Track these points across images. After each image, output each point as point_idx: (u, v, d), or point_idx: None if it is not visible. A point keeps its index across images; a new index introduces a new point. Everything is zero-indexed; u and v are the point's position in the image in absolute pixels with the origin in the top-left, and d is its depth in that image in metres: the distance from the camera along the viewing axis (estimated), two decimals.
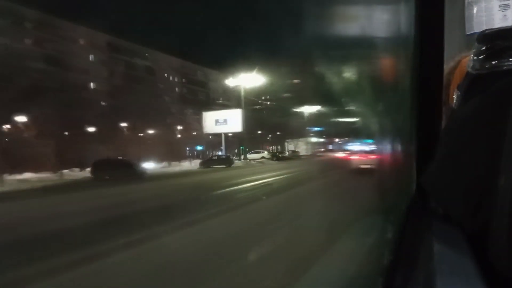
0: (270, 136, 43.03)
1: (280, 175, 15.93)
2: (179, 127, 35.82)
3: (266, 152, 35.64)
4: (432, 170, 0.82)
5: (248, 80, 33.72)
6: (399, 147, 1.61)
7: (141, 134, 30.57)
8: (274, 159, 33.10)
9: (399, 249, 0.96)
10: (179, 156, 28.41)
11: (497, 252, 0.57)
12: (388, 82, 1.66)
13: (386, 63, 1.72)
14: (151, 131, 31.92)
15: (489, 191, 0.60)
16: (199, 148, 36.07)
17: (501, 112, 0.61)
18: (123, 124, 29.15)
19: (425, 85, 1.45)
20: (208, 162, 25.74)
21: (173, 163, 24.89)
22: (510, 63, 0.78)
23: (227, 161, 26.66)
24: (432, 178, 0.83)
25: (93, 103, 27.93)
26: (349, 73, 1.85)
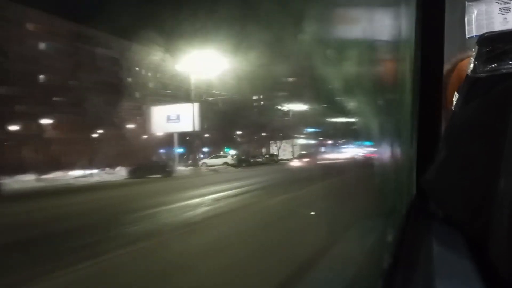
0: (256, 137, 37.85)
1: (218, 192, 10.70)
2: (139, 126, 27.97)
3: (229, 157, 29.37)
4: (432, 173, 0.83)
5: (205, 63, 23.62)
6: (399, 149, 1.61)
7: (91, 135, 25.00)
8: (244, 165, 26.58)
9: (399, 251, 0.96)
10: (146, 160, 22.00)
11: (496, 254, 0.57)
12: (388, 84, 1.66)
13: (386, 65, 1.72)
14: (100, 131, 25.40)
15: (489, 193, 0.60)
16: (178, 150, 28.74)
17: (502, 115, 0.62)
18: (52, 122, 24.00)
19: (425, 88, 1.45)
20: (138, 171, 18.78)
21: (111, 170, 19.28)
22: (510, 66, 0.79)
23: (163, 169, 19.57)
24: (432, 180, 0.83)
25: (37, 97, 23.61)
26: (348, 74, 1.85)
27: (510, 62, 0.79)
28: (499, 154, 0.58)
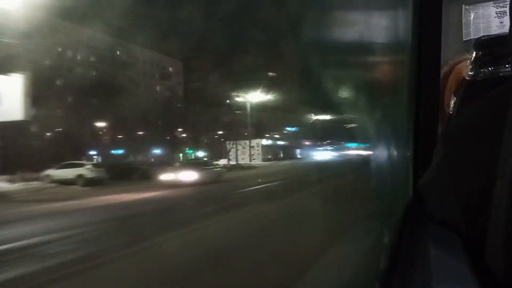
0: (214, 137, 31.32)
1: None
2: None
3: (90, 167, 16.87)
4: (429, 176, 0.83)
5: None
6: (395, 152, 1.61)
7: None
8: (109, 175, 12.17)
9: (395, 254, 0.96)
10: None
11: (493, 257, 0.57)
12: (385, 86, 1.66)
13: (383, 67, 1.72)
14: None
15: (485, 197, 0.60)
16: (116, 152, 22.16)
17: (498, 119, 0.61)
18: None
19: (422, 91, 1.45)
20: None
21: None
22: (507, 70, 0.79)
23: None
24: (428, 183, 0.83)
25: None
26: (342, 74, 1.85)
27: (507, 66, 0.79)
28: (495, 157, 0.58)
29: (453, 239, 0.71)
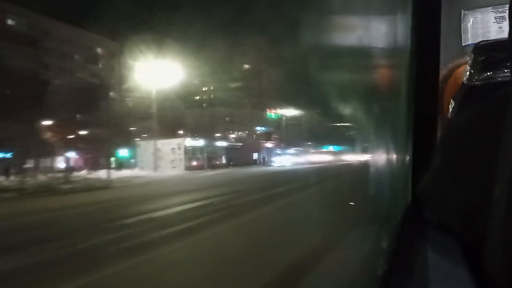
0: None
1: None
2: None
3: None
4: (428, 180, 0.83)
5: None
6: (394, 156, 1.61)
7: None
8: None
9: (394, 258, 0.96)
10: None
11: (491, 262, 0.57)
12: (383, 90, 1.67)
13: (381, 71, 1.73)
14: None
15: (484, 201, 0.60)
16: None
17: (496, 123, 0.62)
18: None
19: (421, 95, 1.46)
20: None
21: None
22: (505, 75, 0.79)
23: None
24: (427, 188, 0.83)
25: None
26: (337, 77, 1.85)
27: (506, 71, 0.80)
28: (494, 162, 0.59)
29: (452, 244, 0.71)
